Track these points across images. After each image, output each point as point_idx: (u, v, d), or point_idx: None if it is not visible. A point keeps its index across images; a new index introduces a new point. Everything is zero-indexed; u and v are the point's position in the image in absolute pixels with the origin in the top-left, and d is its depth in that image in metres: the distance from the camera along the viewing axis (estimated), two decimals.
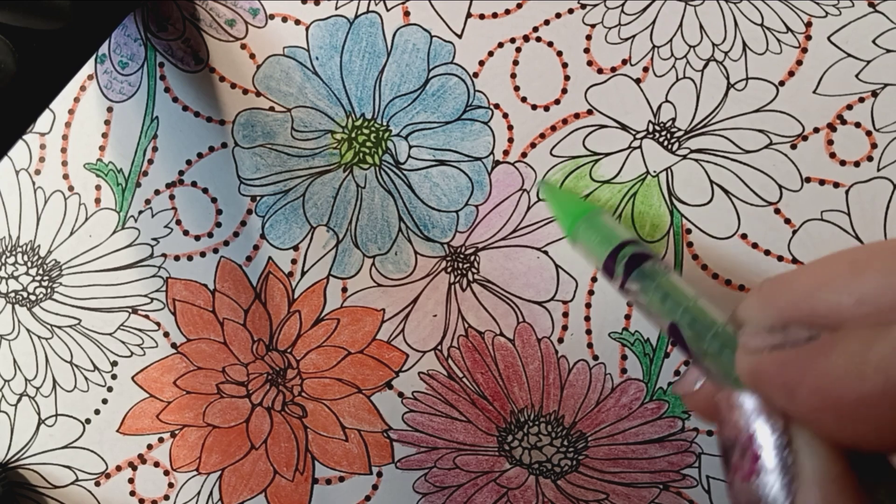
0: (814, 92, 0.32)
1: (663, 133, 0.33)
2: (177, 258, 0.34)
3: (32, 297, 0.35)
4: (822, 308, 0.17)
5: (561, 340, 0.33)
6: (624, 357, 0.33)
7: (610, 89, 0.33)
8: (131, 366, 0.35)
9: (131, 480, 0.35)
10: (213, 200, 0.34)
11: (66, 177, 0.34)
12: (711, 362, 0.22)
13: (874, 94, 0.32)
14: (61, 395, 0.35)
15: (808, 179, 0.32)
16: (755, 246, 0.33)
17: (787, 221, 0.32)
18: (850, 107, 0.32)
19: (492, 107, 0.33)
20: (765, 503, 0.18)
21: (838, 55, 0.32)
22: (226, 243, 0.34)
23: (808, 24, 0.32)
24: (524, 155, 0.33)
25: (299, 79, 0.33)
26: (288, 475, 0.35)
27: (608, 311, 0.33)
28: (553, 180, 0.33)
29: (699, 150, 0.32)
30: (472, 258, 0.33)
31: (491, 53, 0.33)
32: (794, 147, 0.32)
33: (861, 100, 0.32)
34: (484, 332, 0.34)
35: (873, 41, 0.32)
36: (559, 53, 0.33)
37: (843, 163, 0.32)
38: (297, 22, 0.33)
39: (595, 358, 0.33)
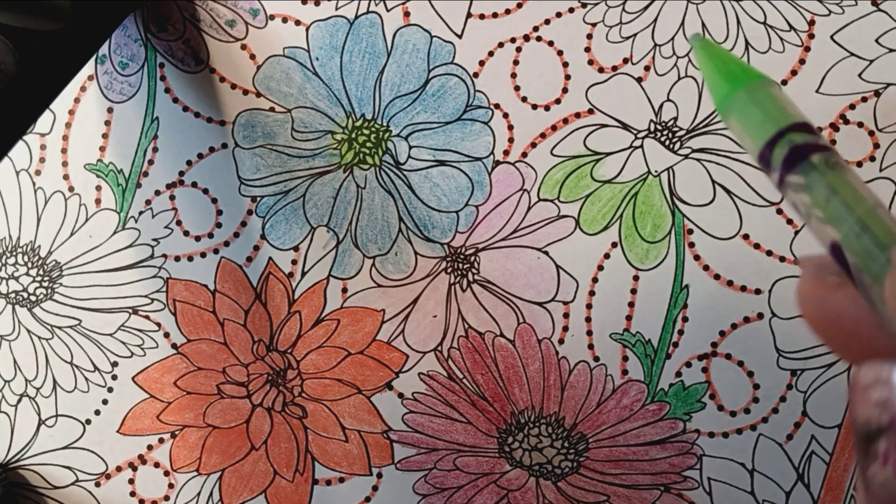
0: (816, 91, 0.32)
1: (665, 132, 0.33)
2: (177, 259, 0.34)
3: (33, 298, 0.35)
4: None
5: (562, 341, 0.33)
6: (625, 358, 0.33)
7: (611, 88, 0.33)
8: (132, 366, 0.35)
9: (131, 481, 0.35)
10: (214, 201, 0.34)
11: (66, 177, 0.34)
12: (878, 294, 0.18)
13: (877, 93, 0.32)
14: (61, 396, 0.35)
15: None
16: (757, 246, 0.32)
17: (790, 222, 0.32)
18: (852, 106, 0.32)
19: (492, 107, 0.33)
20: None
21: (841, 54, 0.32)
22: (226, 244, 0.34)
23: (811, 23, 0.32)
24: (524, 155, 0.33)
25: (299, 79, 0.33)
26: (288, 476, 0.35)
27: (609, 312, 0.33)
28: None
29: (701, 150, 0.32)
30: (473, 258, 0.33)
31: (491, 53, 0.33)
32: None
33: (864, 99, 0.32)
34: (484, 332, 0.34)
35: (876, 40, 0.31)
36: (560, 53, 0.33)
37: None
38: (298, 22, 0.33)
39: (596, 359, 0.33)
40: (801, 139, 0.22)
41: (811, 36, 0.32)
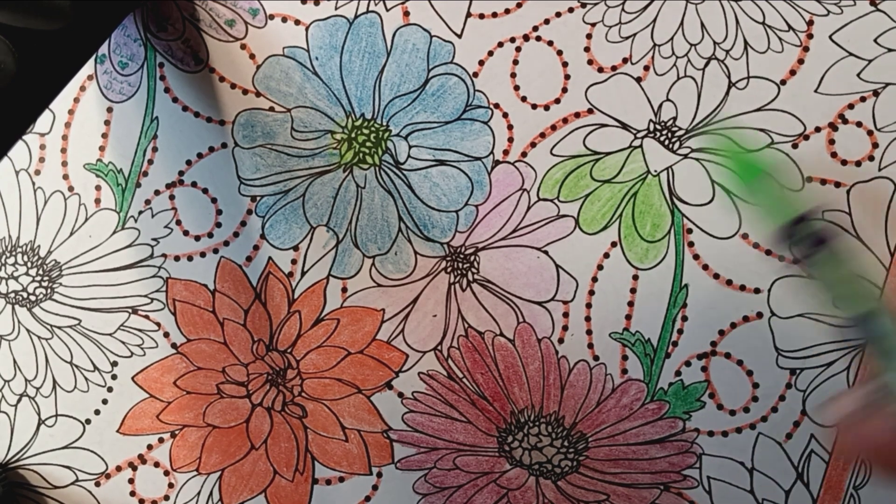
0: (815, 91, 0.32)
1: (664, 132, 0.33)
2: (177, 258, 0.34)
3: (32, 298, 0.35)
4: None
5: (561, 341, 0.33)
6: (625, 357, 0.33)
7: (610, 88, 0.33)
8: (131, 366, 0.35)
9: (131, 480, 0.35)
10: (213, 200, 0.34)
11: (66, 177, 0.34)
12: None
13: (875, 93, 0.32)
14: (61, 396, 0.35)
15: (809, 179, 0.32)
16: (756, 246, 0.32)
17: None
18: (851, 106, 0.32)
19: (492, 106, 0.33)
20: None
21: (840, 54, 0.32)
22: (226, 243, 0.34)
23: (810, 23, 0.32)
24: (524, 154, 0.33)
25: (299, 79, 0.33)
26: (288, 475, 0.35)
27: (609, 312, 0.33)
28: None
29: (700, 150, 0.32)
30: (472, 258, 0.33)
31: (491, 53, 0.33)
32: (795, 146, 0.32)
33: (863, 99, 0.32)
34: (484, 332, 0.34)
35: (875, 40, 0.31)
36: (559, 52, 0.33)
37: (844, 162, 0.32)
38: (297, 22, 0.33)
39: (595, 358, 0.33)
40: (821, 225, 0.27)
41: (810, 36, 0.32)
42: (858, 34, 0.32)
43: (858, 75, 0.32)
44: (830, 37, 0.32)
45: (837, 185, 0.32)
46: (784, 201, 0.28)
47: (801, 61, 0.32)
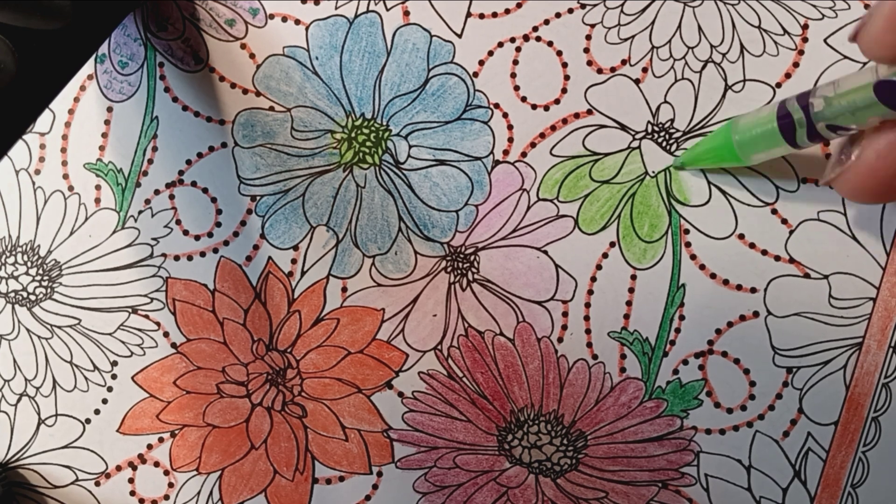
0: None
1: (662, 134, 0.33)
2: (177, 258, 0.34)
3: (32, 297, 0.35)
4: None
5: (560, 340, 0.34)
6: (623, 356, 0.34)
7: (609, 89, 0.33)
8: (131, 366, 0.35)
9: (131, 480, 0.35)
10: (213, 200, 0.34)
11: (66, 177, 0.34)
12: None
13: None
14: (61, 395, 0.35)
15: (804, 180, 0.33)
16: (752, 246, 0.33)
17: (784, 221, 0.33)
18: None
19: (492, 106, 0.33)
20: None
21: (835, 57, 0.32)
22: (226, 243, 0.34)
23: (805, 27, 0.32)
24: (524, 154, 0.33)
25: (299, 78, 0.33)
26: (288, 475, 0.35)
27: (607, 311, 0.33)
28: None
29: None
30: (472, 258, 0.34)
31: (491, 53, 0.33)
32: None
33: None
34: (484, 331, 0.34)
35: None
36: (559, 53, 0.33)
37: None
38: (297, 22, 0.33)
39: (594, 357, 0.34)
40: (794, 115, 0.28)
41: (805, 39, 0.32)
42: None
43: None
44: (825, 40, 0.32)
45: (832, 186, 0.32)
46: (759, 122, 0.29)
47: (796, 64, 0.32)
